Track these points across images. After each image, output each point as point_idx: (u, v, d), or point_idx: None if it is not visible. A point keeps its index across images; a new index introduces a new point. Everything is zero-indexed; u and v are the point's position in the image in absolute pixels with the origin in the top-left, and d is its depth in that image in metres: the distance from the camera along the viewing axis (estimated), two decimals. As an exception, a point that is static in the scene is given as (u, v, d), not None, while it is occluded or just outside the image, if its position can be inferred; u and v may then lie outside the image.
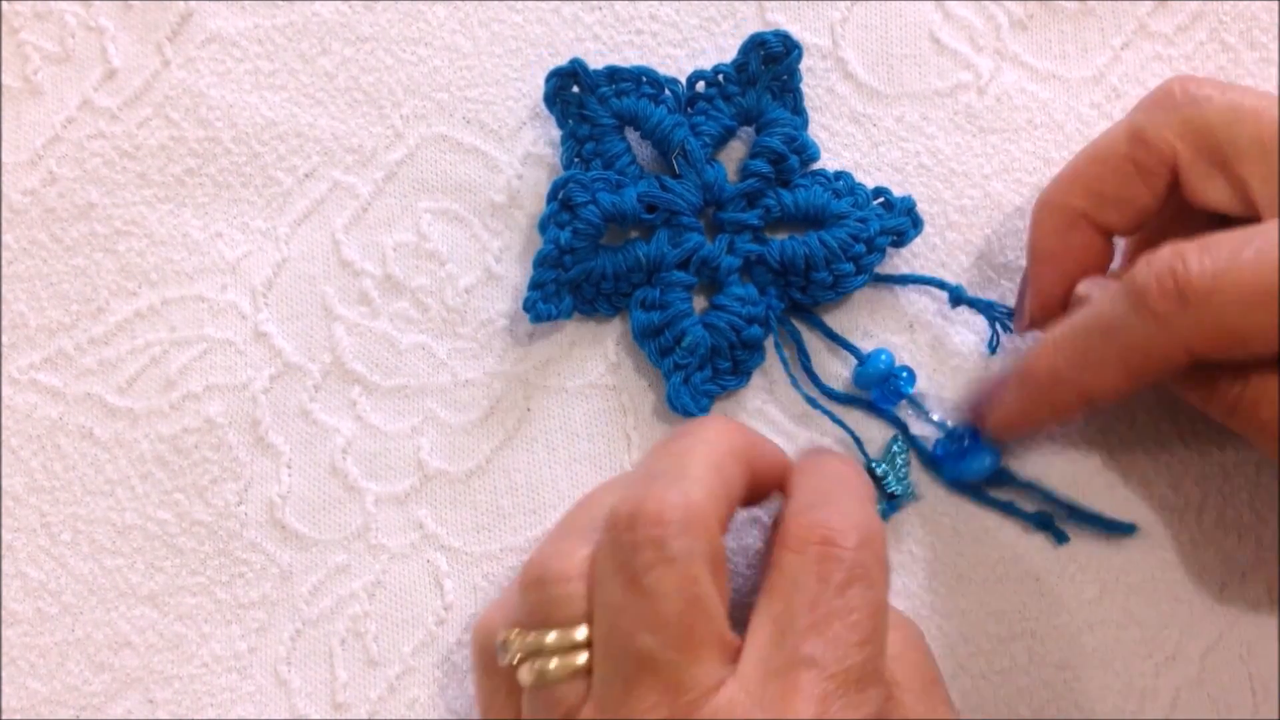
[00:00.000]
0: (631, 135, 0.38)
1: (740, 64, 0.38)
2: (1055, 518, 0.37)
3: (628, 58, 0.39)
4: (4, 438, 0.38)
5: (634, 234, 0.38)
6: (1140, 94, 0.38)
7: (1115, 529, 0.36)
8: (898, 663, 0.31)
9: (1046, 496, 0.36)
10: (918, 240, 0.38)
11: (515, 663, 0.31)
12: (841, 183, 0.38)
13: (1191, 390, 0.34)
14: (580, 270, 0.37)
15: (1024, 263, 0.38)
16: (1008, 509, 0.37)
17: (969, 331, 0.38)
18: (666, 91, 0.38)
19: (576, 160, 0.38)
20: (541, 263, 0.37)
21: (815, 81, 0.39)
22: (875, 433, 0.37)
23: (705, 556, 0.29)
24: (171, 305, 0.39)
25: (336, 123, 0.39)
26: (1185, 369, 0.32)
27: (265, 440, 0.38)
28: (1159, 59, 0.39)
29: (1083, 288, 0.35)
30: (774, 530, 0.32)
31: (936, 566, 0.37)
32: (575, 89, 0.38)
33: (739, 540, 0.37)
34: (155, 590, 0.37)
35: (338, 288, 0.39)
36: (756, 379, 0.38)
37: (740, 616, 0.30)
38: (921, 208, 0.38)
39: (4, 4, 0.40)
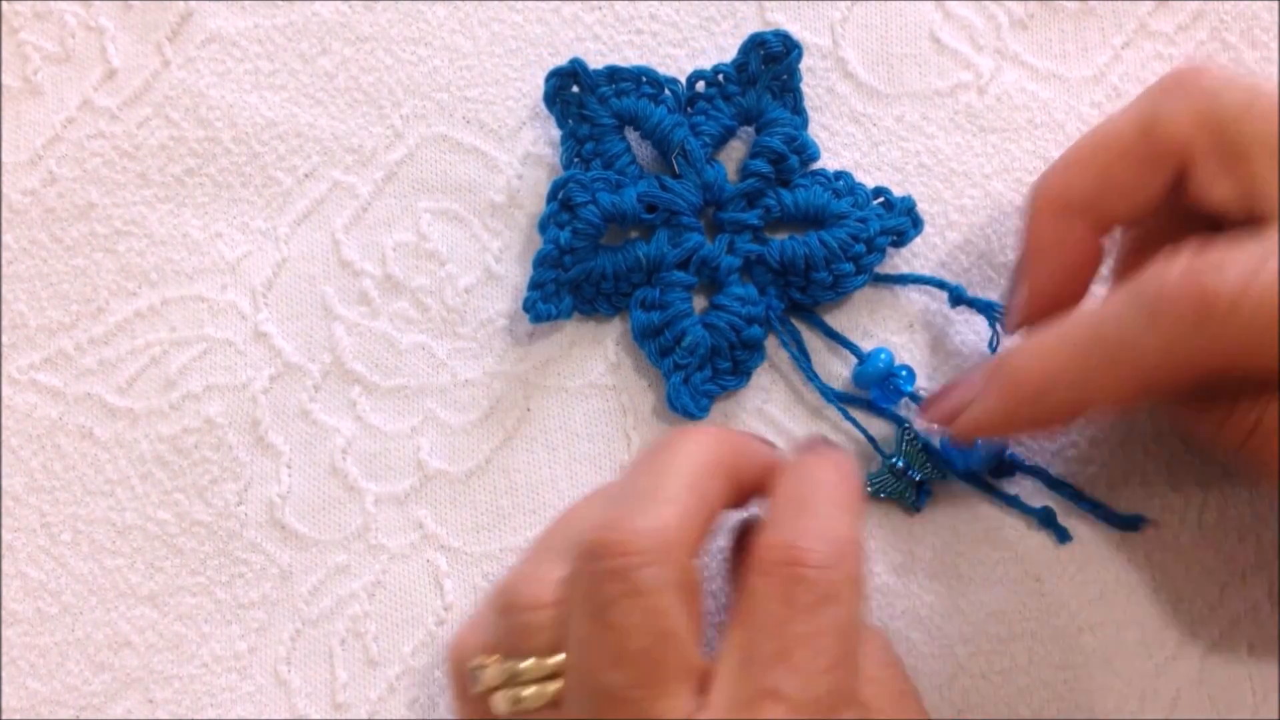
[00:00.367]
0: (631, 135, 0.38)
1: (740, 64, 0.38)
2: (1059, 514, 0.37)
3: (628, 58, 0.39)
4: (4, 438, 0.38)
5: (634, 234, 0.38)
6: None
7: (1122, 522, 0.36)
8: (866, 685, 0.30)
9: (1054, 485, 0.36)
10: (918, 240, 0.38)
11: (489, 691, 0.30)
12: (841, 183, 0.38)
13: (1199, 417, 0.32)
14: (580, 270, 0.37)
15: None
16: (1013, 503, 0.37)
17: (969, 331, 0.38)
18: (666, 91, 0.38)
19: (576, 160, 0.38)
20: (541, 263, 0.37)
21: (815, 81, 0.39)
22: (876, 431, 0.37)
23: (674, 585, 0.28)
24: (171, 305, 0.39)
25: (336, 123, 0.39)
26: (1194, 390, 0.30)
27: (265, 440, 0.38)
28: (1159, 58, 0.39)
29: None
30: (749, 542, 0.31)
31: (936, 566, 0.37)
32: (575, 89, 0.38)
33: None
34: (155, 590, 0.37)
35: (338, 288, 0.39)
36: (757, 378, 0.38)
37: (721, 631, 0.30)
38: (921, 208, 0.38)
39: (4, 4, 0.40)
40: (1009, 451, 0.36)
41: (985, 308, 0.37)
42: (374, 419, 0.38)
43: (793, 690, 0.28)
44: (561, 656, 0.29)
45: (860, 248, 0.37)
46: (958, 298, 0.37)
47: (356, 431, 0.38)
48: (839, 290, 0.37)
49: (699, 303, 0.38)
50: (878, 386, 0.37)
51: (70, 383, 0.38)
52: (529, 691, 0.29)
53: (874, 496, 0.36)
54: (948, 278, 0.38)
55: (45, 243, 0.39)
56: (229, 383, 0.38)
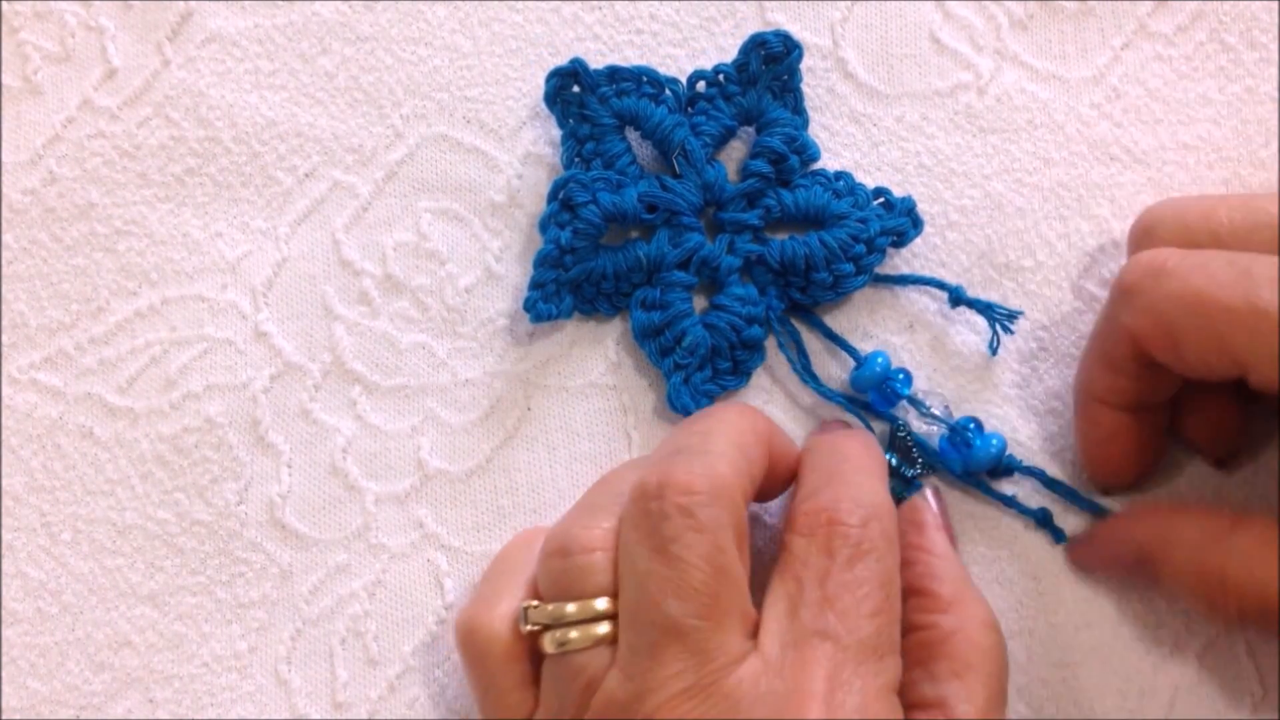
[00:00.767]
0: (632, 135, 0.38)
1: (741, 64, 0.38)
2: (1055, 514, 0.37)
3: (628, 57, 0.39)
4: (4, 438, 0.38)
5: (634, 234, 0.38)
6: (1140, 94, 0.39)
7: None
8: (981, 653, 0.31)
9: (1051, 485, 0.37)
10: (918, 240, 0.38)
11: (537, 631, 0.31)
12: (842, 183, 0.38)
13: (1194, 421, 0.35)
14: (580, 270, 0.37)
15: (1024, 263, 0.38)
16: (1010, 503, 0.37)
17: (970, 332, 0.38)
18: (667, 91, 0.38)
19: (577, 160, 0.38)
20: (542, 263, 0.37)
21: (815, 81, 0.39)
22: (875, 432, 0.37)
23: (731, 528, 0.30)
24: (171, 305, 0.39)
25: (336, 122, 0.39)
26: (1134, 366, 0.33)
27: (265, 440, 0.38)
28: (1159, 59, 0.39)
29: None
30: (783, 518, 0.33)
31: (936, 566, 0.37)
32: (576, 89, 0.38)
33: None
34: (155, 590, 0.37)
35: (338, 287, 0.39)
36: (756, 378, 0.38)
37: (756, 600, 0.31)
38: (921, 208, 0.38)
39: (4, 4, 0.40)
40: (1007, 453, 0.36)
41: (985, 308, 0.37)
42: (374, 418, 0.38)
43: (840, 632, 0.29)
44: (607, 602, 0.30)
45: (860, 248, 0.37)
46: (958, 298, 0.37)
47: (357, 431, 0.38)
48: (839, 290, 0.37)
49: (699, 303, 0.38)
50: (875, 390, 0.37)
51: (70, 382, 0.38)
52: (575, 633, 0.31)
53: None
54: (947, 278, 0.38)
55: (45, 242, 0.39)
56: (229, 382, 0.38)
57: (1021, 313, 0.37)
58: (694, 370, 0.37)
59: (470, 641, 0.33)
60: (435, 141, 0.39)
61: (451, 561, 0.37)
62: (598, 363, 0.38)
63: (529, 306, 0.37)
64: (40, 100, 0.39)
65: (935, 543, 0.34)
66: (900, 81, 0.39)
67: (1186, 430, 0.36)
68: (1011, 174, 0.38)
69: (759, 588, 0.31)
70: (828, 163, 0.38)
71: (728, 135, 0.38)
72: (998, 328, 0.37)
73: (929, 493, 0.36)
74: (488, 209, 0.39)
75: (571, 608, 0.31)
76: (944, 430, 0.37)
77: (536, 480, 0.38)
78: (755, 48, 0.38)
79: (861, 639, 0.29)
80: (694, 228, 0.37)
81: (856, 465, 0.33)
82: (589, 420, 0.38)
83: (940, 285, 0.37)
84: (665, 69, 0.39)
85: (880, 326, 0.38)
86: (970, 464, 0.36)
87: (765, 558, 0.35)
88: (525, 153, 0.39)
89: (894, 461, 0.36)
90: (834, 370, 0.38)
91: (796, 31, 0.39)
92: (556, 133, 0.38)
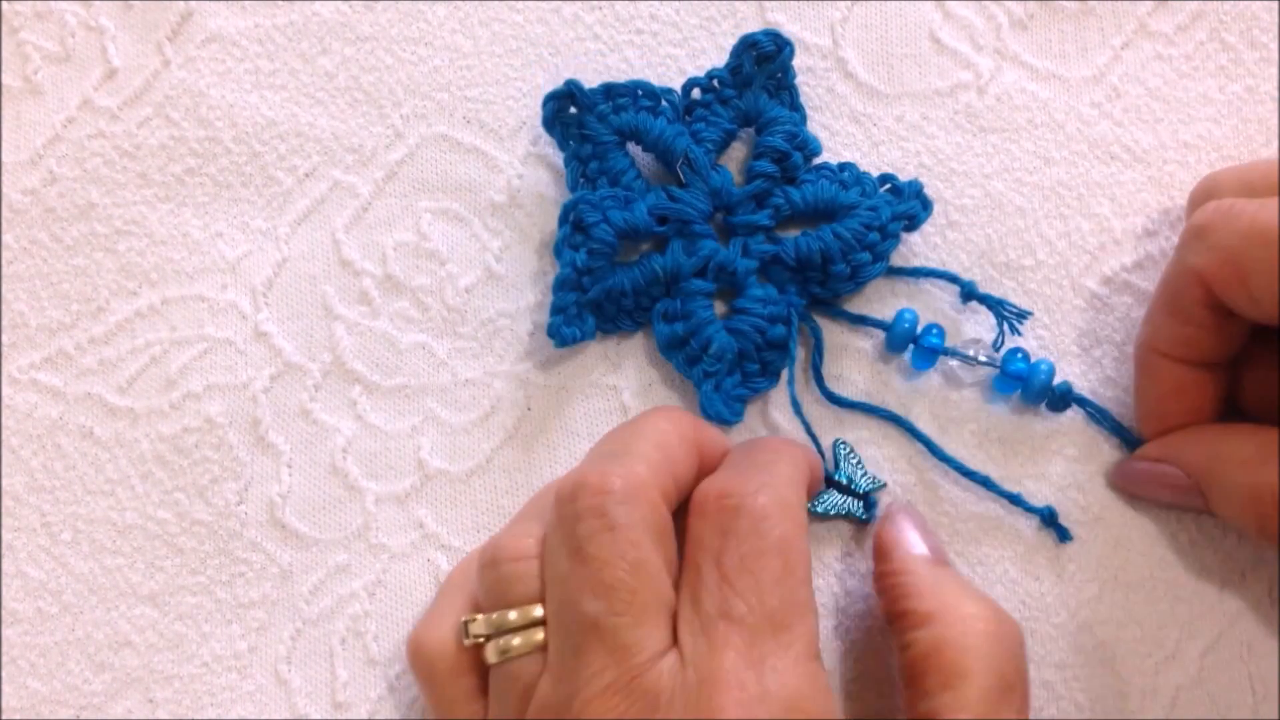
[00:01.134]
0: (634, 149, 0.38)
1: (734, 66, 0.38)
2: (1060, 515, 0.37)
3: (628, 57, 0.39)
4: (4, 438, 0.38)
5: (647, 248, 0.38)
6: (1141, 93, 0.39)
7: None
8: (970, 655, 0.31)
9: (1099, 416, 0.37)
10: (918, 240, 0.38)
11: (481, 643, 0.31)
12: (847, 174, 0.38)
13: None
14: (600, 290, 0.37)
15: (1025, 262, 0.38)
16: (1015, 501, 0.37)
17: (979, 328, 0.38)
18: (664, 102, 0.38)
19: (582, 180, 0.37)
20: (561, 286, 0.36)
21: (815, 81, 0.39)
22: (892, 439, 0.37)
23: (647, 524, 0.30)
24: (171, 305, 0.39)
25: (336, 122, 0.39)
26: (1201, 311, 0.33)
27: (265, 440, 0.38)
28: (1159, 59, 0.39)
29: None
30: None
31: (936, 566, 0.37)
32: (573, 109, 0.37)
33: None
34: (155, 590, 0.37)
35: (338, 287, 0.39)
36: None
37: None
38: (922, 207, 0.38)
39: (4, 4, 0.40)
40: (1060, 380, 0.36)
41: (996, 305, 0.37)
42: (374, 418, 0.38)
43: (744, 610, 0.29)
44: (541, 608, 0.31)
45: (874, 236, 0.37)
46: (969, 294, 0.37)
47: (357, 431, 0.38)
48: (858, 280, 0.37)
49: (720, 308, 0.38)
50: (914, 349, 0.36)
51: (70, 382, 0.38)
52: (518, 639, 0.31)
53: (824, 516, 0.36)
54: (950, 277, 0.38)
55: (45, 242, 0.39)
56: (229, 382, 0.38)
57: (1031, 313, 0.37)
58: (723, 376, 0.36)
59: (418, 659, 0.33)
60: (435, 141, 0.39)
61: (451, 561, 0.37)
62: (598, 363, 0.38)
63: (553, 332, 0.36)
64: (40, 100, 0.39)
65: (904, 562, 0.33)
66: (900, 81, 0.39)
67: (1246, 401, 0.36)
68: (1012, 173, 0.38)
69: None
70: (828, 161, 0.38)
71: (729, 139, 0.38)
72: (1005, 325, 0.37)
73: (893, 512, 0.35)
74: (488, 209, 0.39)
75: (513, 615, 0.31)
76: (995, 372, 0.36)
77: (536, 480, 0.38)
78: (747, 49, 0.37)
79: (767, 612, 0.29)
80: (707, 235, 0.37)
81: (763, 459, 0.33)
82: (589, 420, 0.38)
83: (953, 279, 0.37)
84: (665, 69, 0.39)
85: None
86: (1027, 393, 0.36)
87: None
88: (525, 153, 0.39)
89: (843, 479, 0.36)
90: (852, 375, 0.38)
91: (797, 32, 0.39)
92: (557, 133, 0.38)
